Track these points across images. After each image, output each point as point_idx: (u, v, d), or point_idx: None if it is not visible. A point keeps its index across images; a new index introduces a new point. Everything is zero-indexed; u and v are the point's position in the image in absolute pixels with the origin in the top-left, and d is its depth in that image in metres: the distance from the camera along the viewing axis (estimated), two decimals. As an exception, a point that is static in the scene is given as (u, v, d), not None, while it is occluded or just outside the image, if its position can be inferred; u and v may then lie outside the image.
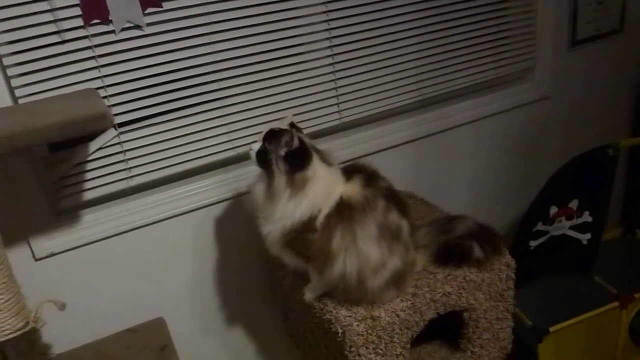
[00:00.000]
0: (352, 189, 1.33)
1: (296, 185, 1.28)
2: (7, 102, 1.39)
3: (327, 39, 1.74)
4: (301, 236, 1.31)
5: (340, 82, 1.80)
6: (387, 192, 1.35)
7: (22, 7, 1.34)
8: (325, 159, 1.34)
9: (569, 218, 2.08)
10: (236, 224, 1.76)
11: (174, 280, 1.74)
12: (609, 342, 2.06)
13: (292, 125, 1.40)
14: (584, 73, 2.30)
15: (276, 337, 1.94)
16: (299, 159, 1.29)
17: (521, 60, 2.14)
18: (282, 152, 1.28)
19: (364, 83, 1.84)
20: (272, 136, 1.30)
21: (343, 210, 1.30)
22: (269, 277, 1.85)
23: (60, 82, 1.43)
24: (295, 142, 1.28)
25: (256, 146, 1.32)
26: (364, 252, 1.29)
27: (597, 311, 1.96)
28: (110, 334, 1.64)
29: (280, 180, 1.28)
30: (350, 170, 1.38)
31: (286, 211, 1.29)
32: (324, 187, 1.31)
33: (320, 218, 1.30)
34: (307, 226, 1.30)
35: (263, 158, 1.31)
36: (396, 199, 1.36)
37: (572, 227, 2.11)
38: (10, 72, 1.37)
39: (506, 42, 2.08)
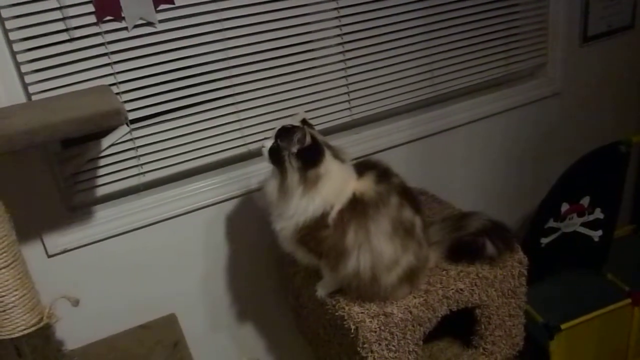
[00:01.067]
0: (365, 185, 1.32)
1: (309, 182, 1.28)
2: (21, 98, 1.40)
3: (339, 35, 1.74)
4: (314, 233, 1.31)
5: (351, 79, 1.80)
6: (400, 188, 1.35)
7: (37, 3, 1.35)
8: (338, 156, 1.34)
9: (580, 215, 2.07)
10: (248, 220, 1.76)
11: (186, 276, 1.75)
12: (621, 339, 2.06)
13: (304, 122, 1.39)
14: (596, 69, 2.29)
15: (287, 334, 1.94)
16: (311, 156, 1.29)
17: (532, 56, 2.13)
18: (295, 149, 1.28)
19: (375, 80, 1.84)
20: (285, 133, 1.30)
21: (356, 207, 1.30)
22: (280, 273, 1.85)
23: (74, 79, 1.44)
24: (308, 139, 1.28)
25: (268, 143, 1.32)
26: (377, 248, 1.29)
27: (609, 308, 1.95)
28: (122, 330, 1.65)
29: (293, 177, 1.28)
30: (363, 167, 1.37)
31: (299, 208, 1.29)
32: (337, 183, 1.31)
33: (333, 214, 1.30)
34: (319, 223, 1.30)
35: (276, 155, 1.31)
36: (409, 196, 1.36)
37: (583, 224, 2.10)
38: (25, 68, 1.38)
39: (517, 38, 2.07)
